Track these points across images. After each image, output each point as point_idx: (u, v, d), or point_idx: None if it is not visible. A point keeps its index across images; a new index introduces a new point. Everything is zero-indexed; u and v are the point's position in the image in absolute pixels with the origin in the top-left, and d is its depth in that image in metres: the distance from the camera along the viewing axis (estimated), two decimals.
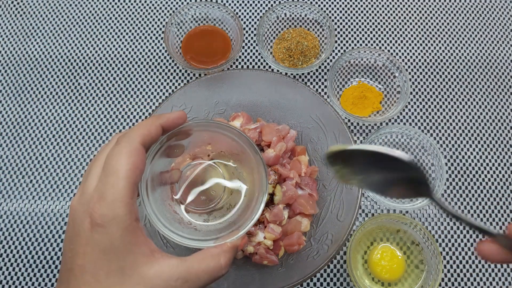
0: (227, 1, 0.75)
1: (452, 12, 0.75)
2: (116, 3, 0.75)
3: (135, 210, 0.29)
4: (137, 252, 0.28)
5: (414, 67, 0.72)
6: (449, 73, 0.71)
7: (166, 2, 0.75)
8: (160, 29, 0.74)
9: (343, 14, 0.75)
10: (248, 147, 0.38)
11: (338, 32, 0.74)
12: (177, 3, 0.75)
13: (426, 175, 0.32)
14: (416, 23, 0.75)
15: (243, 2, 0.75)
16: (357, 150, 0.34)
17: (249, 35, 0.73)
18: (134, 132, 0.31)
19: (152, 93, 0.70)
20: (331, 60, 0.72)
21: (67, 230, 0.30)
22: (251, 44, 0.73)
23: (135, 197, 0.30)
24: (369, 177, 0.35)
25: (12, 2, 0.75)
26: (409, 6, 0.76)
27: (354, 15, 0.75)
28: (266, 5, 0.75)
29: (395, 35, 0.74)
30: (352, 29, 0.74)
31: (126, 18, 0.74)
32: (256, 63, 0.72)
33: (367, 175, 0.35)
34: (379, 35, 0.74)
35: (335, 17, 0.75)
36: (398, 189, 0.34)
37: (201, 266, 0.30)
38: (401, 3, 0.76)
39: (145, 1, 0.75)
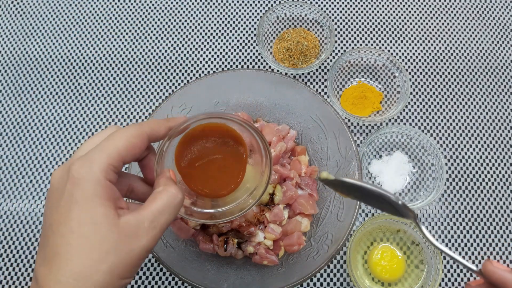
0: (227, 1, 0.75)
1: (452, 12, 0.75)
2: (116, 3, 0.75)
3: (113, 177, 0.32)
4: (107, 205, 0.30)
5: (414, 67, 0.72)
6: (449, 73, 0.71)
7: (166, 2, 0.75)
8: (160, 29, 0.74)
9: (343, 14, 0.75)
10: (249, 131, 0.40)
11: (338, 32, 0.74)
12: (176, 3, 0.75)
13: (412, 212, 0.38)
14: (416, 23, 0.75)
15: (243, 2, 0.75)
16: (347, 183, 0.38)
17: (249, 35, 0.73)
18: (145, 123, 0.35)
19: (152, 93, 0.70)
20: (331, 60, 0.72)
21: (48, 194, 0.32)
22: (251, 44, 0.73)
23: (117, 169, 0.32)
24: (363, 197, 0.39)
25: (12, 2, 0.75)
26: (409, 6, 0.76)
27: (354, 15, 0.75)
28: (266, 5, 0.75)
29: (395, 35, 0.74)
30: (352, 29, 0.74)
31: (126, 18, 0.74)
32: (256, 63, 0.72)
33: (360, 196, 0.39)
34: (379, 35, 0.74)
35: (335, 17, 0.75)
36: (389, 209, 0.38)
37: (158, 204, 0.33)
38: (401, 3, 0.76)
39: (145, 1, 0.75)
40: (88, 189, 0.30)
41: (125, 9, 0.75)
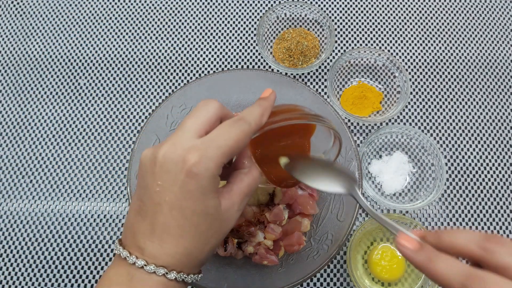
0: (227, 1, 0.75)
1: (452, 12, 0.75)
2: (116, 3, 0.75)
3: (221, 169, 0.33)
4: (216, 197, 0.33)
5: (414, 67, 0.72)
6: (449, 73, 0.71)
7: (166, 2, 0.75)
8: (160, 29, 0.74)
9: (343, 14, 0.75)
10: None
11: (338, 32, 0.74)
12: (176, 3, 0.75)
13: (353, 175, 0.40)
14: (416, 23, 0.75)
15: (243, 2, 0.75)
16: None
17: (249, 35, 0.73)
18: (258, 117, 0.36)
19: (152, 93, 0.70)
20: (331, 60, 0.72)
21: (149, 167, 0.33)
22: (251, 44, 0.73)
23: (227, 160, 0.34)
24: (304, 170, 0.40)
25: (12, 2, 0.75)
26: (409, 6, 0.76)
27: (354, 15, 0.75)
28: (266, 5, 0.75)
29: (395, 35, 0.74)
30: (352, 29, 0.74)
31: (126, 18, 0.74)
32: (256, 63, 0.72)
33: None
34: (379, 35, 0.74)
35: (335, 17, 0.75)
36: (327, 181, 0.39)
37: (245, 187, 0.36)
38: (401, 3, 0.76)
39: (145, 1, 0.75)
40: (204, 184, 0.32)
41: (125, 9, 0.75)
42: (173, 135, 0.34)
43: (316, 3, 0.76)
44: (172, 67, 0.71)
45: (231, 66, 0.71)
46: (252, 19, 0.74)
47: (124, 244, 0.34)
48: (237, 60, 0.72)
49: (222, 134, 0.33)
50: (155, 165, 0.33)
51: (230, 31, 0.74)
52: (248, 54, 0.72)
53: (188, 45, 0.73)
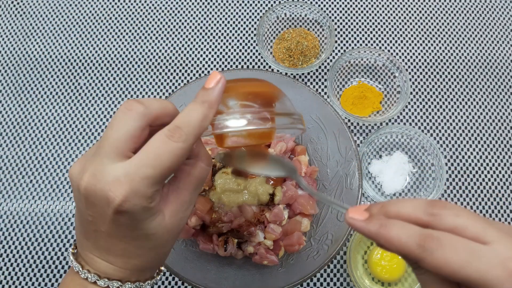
0: (227, 1, 0.75)
1: (452, 12, 0.75)
2: (116, 3, 0.75)
3: (154, 196, 0.29)
4: (156, 216, 0.30)
5: (414, 67, 0.72)
6: (449, 73, 0.71)
7: (166, 2, 0.75)
8: (160, 29, 0.74)
9: (343, 14, 0.75)
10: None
11: (338, 32, 0.74)
12: (176, 3, 0.75)
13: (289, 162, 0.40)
14: (416, 23, 0.75)
15: (243, 2, 0.75)
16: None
17: (249, 35, 0.73)
18: (198, 124, 0.29)
19: (152, 93, 0.70)
20: (331, 60, 0.72)
21: (76, 193, 0.30)
22: (251, 44, 0.73)
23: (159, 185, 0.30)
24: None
25: (12, 2, 0.75)
26: (409, 6, 0.76)
27: (354, 15, 0.75)
28: (266, 5, 0.75)
29: (395, 35, 0.74)
30: (352, 29, 0.74)
31: (126, 18, 0.74)
32: (256, 63, 0.72)
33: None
34: (379, 35, 0.74)
35: (335, 17, 0.75)
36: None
37: (191, 174, 0.32)
38: (401, 3, 0.76)
39: (145, 1, 0.75)
40: (138, 217, 0.29)
41: (125, 9, 0.75)
42: (93, 158, 0.29)
43: (316, 3, 0.76)
44: (172, 67, 0.71)
45: (231, 66, 0.71)
46: (252, 19, 0.74)
47: (78, 253, 0.33)
48: (237, 60, 0.72)
49: (151, 158, 0.28)
50: (80, 193, 0.29)
51: (230, 31, 0.74)
52: (248, 54, 0.72)
53: (188, 45, 0.73)
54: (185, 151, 0.29)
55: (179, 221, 0.32)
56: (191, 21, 0.74)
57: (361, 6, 0.75)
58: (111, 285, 0.31)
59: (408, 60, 0.72)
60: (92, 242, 0.31)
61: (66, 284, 0.32)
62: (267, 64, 0.72)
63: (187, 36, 0.73)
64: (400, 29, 0.74)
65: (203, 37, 0.73)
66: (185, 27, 0.74)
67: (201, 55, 0.72)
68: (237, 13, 0.75)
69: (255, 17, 0.75)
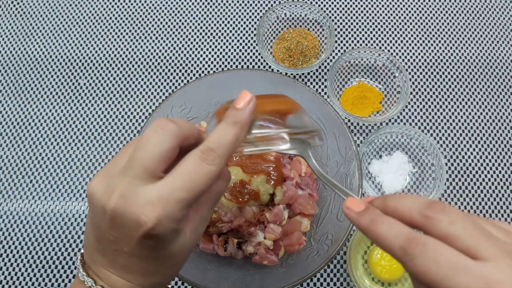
0: (227, 1, 0.75)
1: (452, 12, 0.75)
2: (116, 3, 0.75)
3: (183, 218, 0.29)
4: (180, 235, 0.30)
5: (414, 67, 0.72)
6: (449, 73, 0.71)
7: (166, 2, 0.75)
8: (160, 29, 0.74)
9: (343, 14, 0.75)
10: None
11: (338, 32, 0.74)
12: (176, 3, 0.75)
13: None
14: (416, 23, 0.75)
15: (243, 2, 0.75)
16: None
17: (249, 35, 0.73)
18: (231, 145, 0.29)
19: (152, 93, 0.70)
20: (331, 60, 0.72)
21: (100, 212, 0.28)
22: (251, 44, 0.73)
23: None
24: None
25: (12, 2, 0.75)
26: (409, 6, 0.76)
27: (354, 15, 0.75)
28: (266, 5, 0.75)
29: (395, 35, 0.74)
30: (352, 29, 0.74)
31: (126, 18, 0.74)
32: (256, 63, 0.72)
33: None
34: (379, 35, 0.74)
35: (335, 17, 0.75)
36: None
37: (212, 189, 0.31)
38: (401, 3, 0.76)
39: (145, 1, 0.75)
40: (166, 239, 0.28)
41: (125, 9, 0.75)
42: (121, 178, 0.28)
43: (316, 3, 0.76)
44: (172, 67, 0.71)
45: (231, 66, 0.71)
46: (252, 19, 0.74)
47: (87, 266, 0.32)
48: (237, 60, 0.72)
49: (185, 180, 0.27)
50: (105, 214, 0.28)
51: (230, 31, 0.74)
52: (248, 54, 0.72)
53: (188, 45, 0.73)
54: (218, 174, 0.28)
55: (197, 236, 0.31)
56: (191, 21, 0.74)
57: (361, 6, 0.75)
58: None
59: (408, 60, 0.72)
60: (108, 260, 0.30)
61: None
62: (267, 64, 0.72)
63: (187, 36, 0.73)
64: (400, 29, 0.74)
65: (203, 37, 0.73)
66: (185, 27, 0.74)
67: (201, 55, 0.72)
68: (237, 13, 0.75)
69: (255, 17, 0.75)
